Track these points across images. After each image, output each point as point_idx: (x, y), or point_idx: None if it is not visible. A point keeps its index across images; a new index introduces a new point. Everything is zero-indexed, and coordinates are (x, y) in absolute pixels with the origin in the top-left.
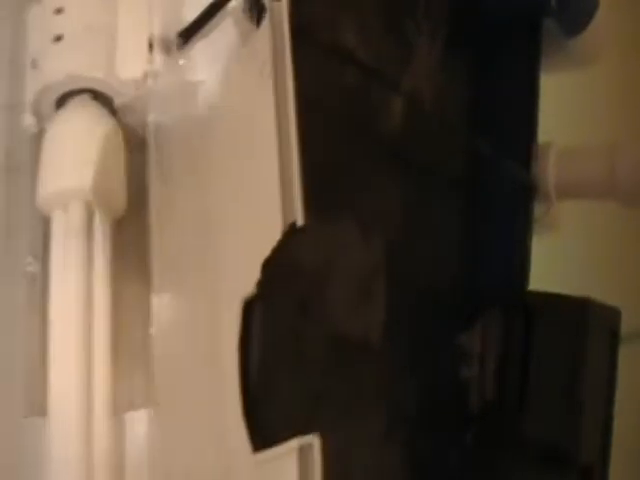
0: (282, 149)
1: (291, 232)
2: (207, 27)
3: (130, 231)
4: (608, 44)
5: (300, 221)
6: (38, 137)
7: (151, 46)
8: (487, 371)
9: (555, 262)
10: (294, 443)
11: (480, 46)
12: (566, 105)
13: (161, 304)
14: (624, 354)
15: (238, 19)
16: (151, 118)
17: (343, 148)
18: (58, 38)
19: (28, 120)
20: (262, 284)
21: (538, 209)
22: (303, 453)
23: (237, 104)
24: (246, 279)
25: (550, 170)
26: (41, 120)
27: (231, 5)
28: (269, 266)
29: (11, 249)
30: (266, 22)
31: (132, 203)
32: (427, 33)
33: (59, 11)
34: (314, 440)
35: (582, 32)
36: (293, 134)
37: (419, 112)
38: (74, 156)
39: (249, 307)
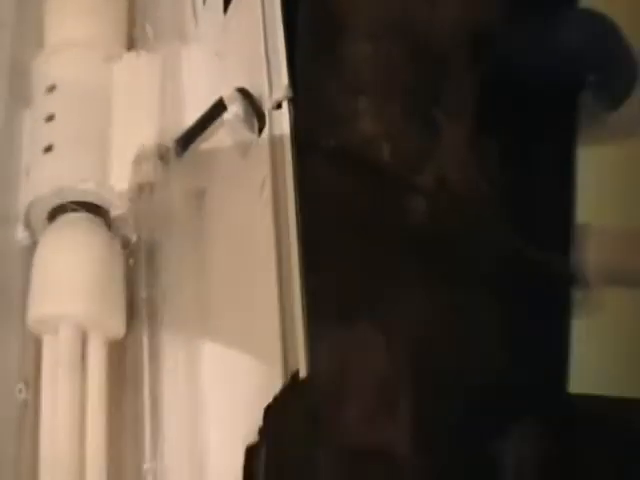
0: (282, 283)
1: (293, 383)
2: (205, 134)
3: (129, 351)
4: None
5: (303, 373)
6: (30, 251)
7: (150, 155)
8: None
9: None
10: None
11: (513, 127)
12: (607, 181)
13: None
14: None
15: (237, 129)
16: (144, 231)
17: (357, 253)
18: (48, 148)
19: (20, 233)
20: (264, 432)
21: (577, 296)
22: None
23: (236, 223)
24: (237, 415)
25: (589, 256)
26: (33, 233)
27: (228, 115)
28: (270, 413)
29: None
30: (266, 133)
31: (132, 319)
32: (455, 117)
33: (50, 118)
34: None
35: (621, 106)
36: (295, 266)
37: (447, 204)
38: (66, 275)
39: (251, 453)
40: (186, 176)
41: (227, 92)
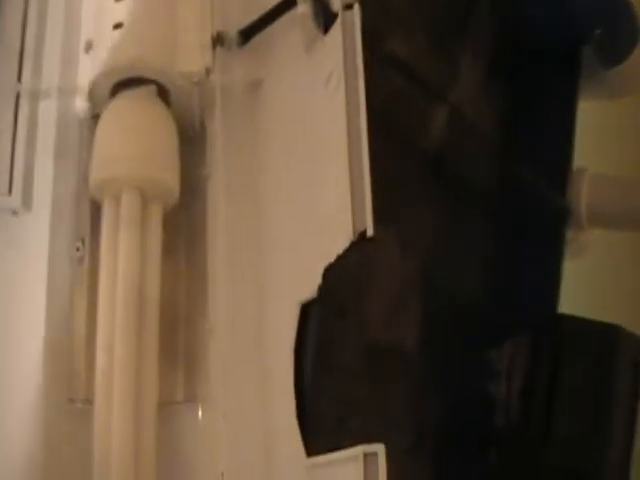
0: (352, 160)
1: (360, 241)
2: (270, 28)
3: (180, 223)
4: None
5: (370, 231)
6: (91, 123)
7: (213, 42)
8: (513, 391)
9: (582, 287)
10: (358, 450)
11: (521, 72)
12: (603, 132)
13: (214, 300)
14: None
15: (305, 24)
16: (203, 114)
17: (398, 160)
18: (118, 25)
19: (81, 105)
20: (323, 290)
21: (568, 234)
22: (368, 461)
23: (298, 111)
24: (299, 282)
25: (583, 196)
26: (95, 106)
27: (299, 9)
28: (332, 273)
29: (60, 233)
30: (336, 29)
31: (183, 195)
32: (472, 54)
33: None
34: (379, 449)
35: (622, 63)
36: (365, 146)
37: (460, 128)
38: (129, 144)
39: (306, 311)
40: (246, 65)
41: None
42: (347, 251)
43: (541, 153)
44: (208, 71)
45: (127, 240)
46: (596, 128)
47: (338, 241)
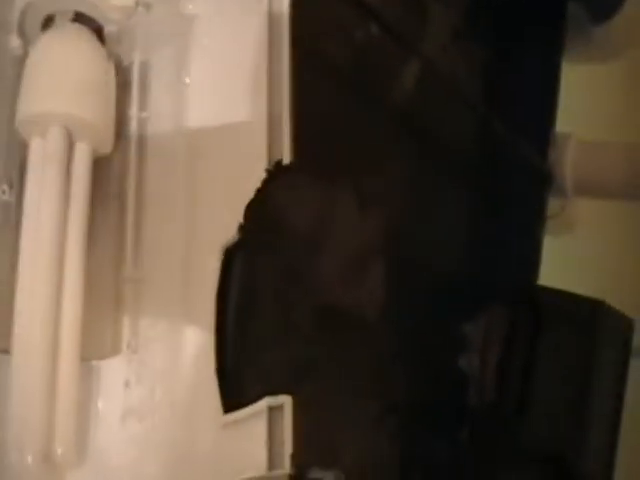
0: (272, 89)
1: (277, 171)
2: None
3: (113, 167)
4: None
5: (287, 159)
6: (23, 59)
7: None
8: (488, 367)
9: (568, 264)
10: (263, 403)
11: (501, 24)
12: (589, 97)
13: (137, 248)
14: (634, 367)
15: None
16: (138, 51)
17: (346, 103)
18: None
19: (14, 42)
20: (244, 229)
21: (553, 205)
22: (273, 414)
23: (229, 41)
24: (225, 223)
25: (568, 162)
26: (27, 42)
27: None
28: (252, 209)
29: None
30: None
31: (118, 140)
32: (444, 5)
33: None
34: (285, 400)
35: (609, 20)
36: (286, 73)
37: (433, 82)
38: (57, 79)
39: (230, 255)
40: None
41: None
42: (266, 182)
43: (521, 113)
44: (141, 4)
45: (51, 179)
46: (583, 92)
47: (256, 173)
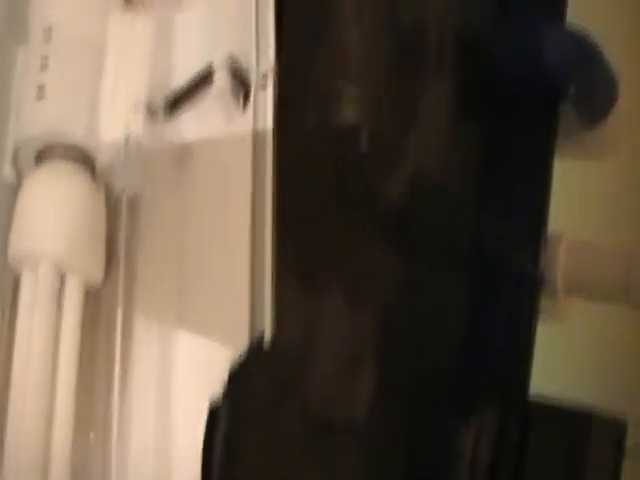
0: (255, 251)
1: (257, 347)
2: (193, 98)
3: (104, 296)
4: (629, 136)
5: (268, 337)
6: (15, 190)
7: (139, 109)
8: (477, 473)
9: (559, 355)
10: None
11: (492, 120)
12: (581, 195)
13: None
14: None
15: (222, 99)
16: (128, 183)
17: (328, 225)
18: (41, 91)
19: (7, 170)
20: (227, 394)
21: (544, 302)
22: None
23: (217, 188)
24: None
25: (559, 264)
26: (20, 172)
27: (216, 83)
28: (233, 377)
29: None
30: (249, 110)
31: (110, 273)
32: (436, 112)
33: (44, 63)
34: None
35: (600, 124)
36: (268, 237)
37: (422, 184)
38: (48, 219)
39: (213, 414)
40: (173, 135)
41: (215, 59)
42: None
43: (513, 214)
44: (135, 140)
45: (41, 322)
46: (574, 190)
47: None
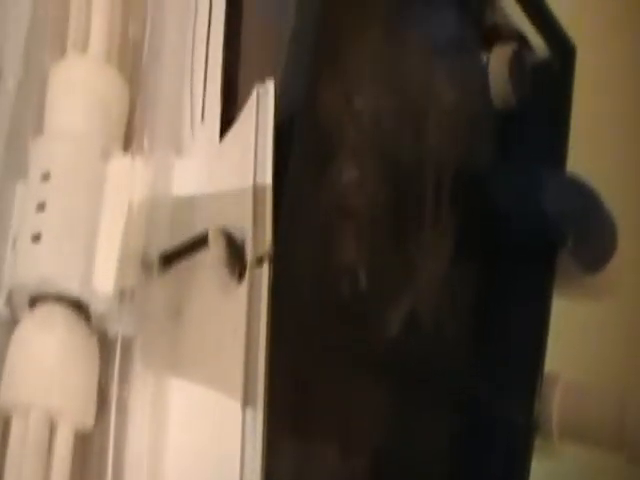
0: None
1: None
2: (191, 257)
3: (94, 443)
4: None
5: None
6: (11, 327)
7: (135, 262)
8: None
9: None
10: None
11: (491, 264)
12: (577, 334)
13: None
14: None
15: (217, 269)
16: (121, 333)
17: (319, 367)
18: (36, 237)
19: (1, 309)
20: None
21: (539, 442)
22: None
23: (208, 351)
24: None
25: (554, 409)
26: (13, 312)
27: (210, 251)
28: None
29: None
30: (244, 287)
31: (100, 414)
32: (432, 255)
33: (41, 207)
34: None
35: (598, 272)
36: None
37: (418, 326)
38: (41, 365)
39: None
40: (167, 290)
41: (212, 226)
42: None
43: (507, 358)
44: (129, 291)
45: (29, 472)
46: (571, 328)
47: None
